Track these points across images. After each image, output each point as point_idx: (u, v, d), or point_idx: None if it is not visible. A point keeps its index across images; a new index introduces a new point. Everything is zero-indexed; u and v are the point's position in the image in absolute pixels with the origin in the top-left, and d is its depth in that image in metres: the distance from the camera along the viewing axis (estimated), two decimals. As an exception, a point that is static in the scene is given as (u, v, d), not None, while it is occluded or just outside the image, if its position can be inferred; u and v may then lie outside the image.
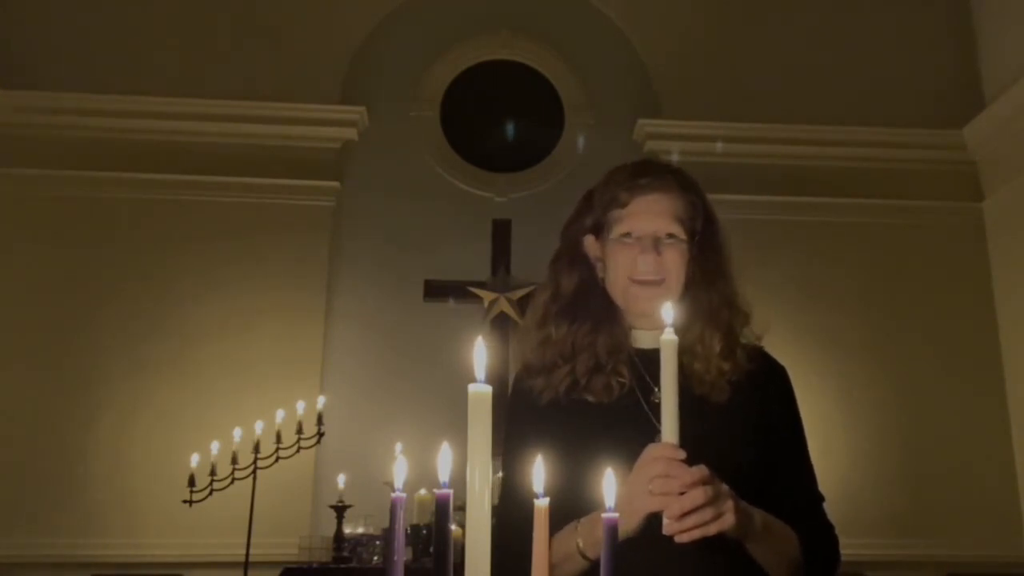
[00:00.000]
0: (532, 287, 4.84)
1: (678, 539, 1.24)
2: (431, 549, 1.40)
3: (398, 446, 3.48)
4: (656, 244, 1.49)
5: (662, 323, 1.23)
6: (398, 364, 4.86)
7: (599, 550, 1.24)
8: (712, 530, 1.24)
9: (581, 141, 5.37)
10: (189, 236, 4.85)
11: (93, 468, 4.46)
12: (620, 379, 1.48)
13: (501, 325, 4.87)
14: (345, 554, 4.06)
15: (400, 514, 0.87)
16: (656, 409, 1.39)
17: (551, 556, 1.25)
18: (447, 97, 5.45)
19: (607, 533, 0.89)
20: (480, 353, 0.90)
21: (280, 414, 4.09)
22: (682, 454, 1.23)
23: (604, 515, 0.91)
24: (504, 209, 5.15)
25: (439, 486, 0.83)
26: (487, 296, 4.89)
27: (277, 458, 3.98)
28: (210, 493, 3.89)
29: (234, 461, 3.94)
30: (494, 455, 0.90)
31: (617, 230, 1.52)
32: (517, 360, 1.62)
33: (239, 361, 4.66)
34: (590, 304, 1.54)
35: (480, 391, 0.86)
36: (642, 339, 1.53)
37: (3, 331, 4.63)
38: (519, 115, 5.47)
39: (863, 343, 4.85)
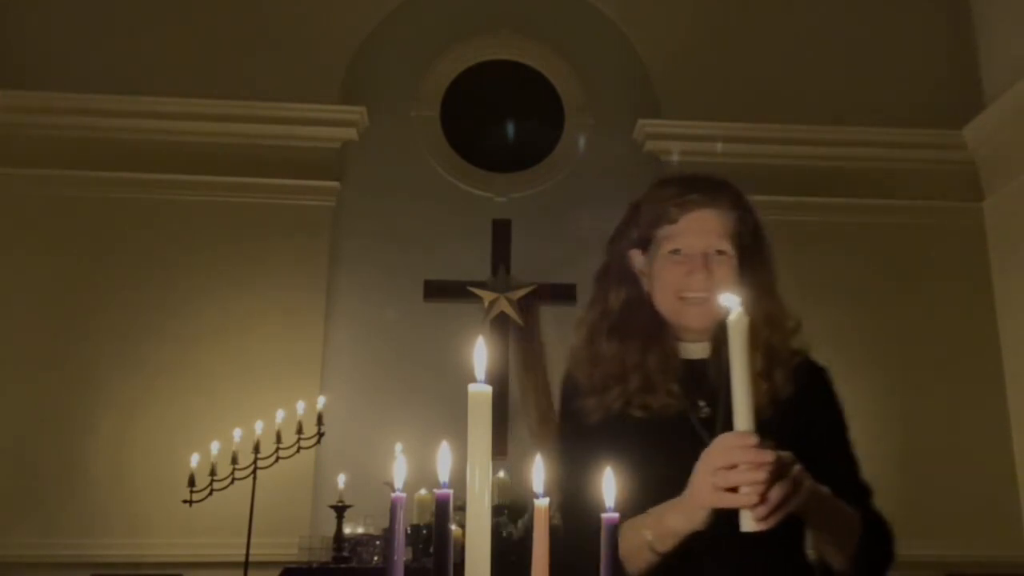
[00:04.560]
0: (532, 287, 4.91)
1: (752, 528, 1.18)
2: (431, 549, 1.40)
3: (398, 446, 3.48)
4: (706, 261, 1.48)
5: (723, 312, 1.19)
6: (398, 364, 4.86)
7: (669, 543, 1.27)
8: (789, 510, 1.20)
9: (581, 141, 5.37)
10: (189, 236, 4.85)
11: (93, 468, 4.46)
12: (671, 398, 1.47)
13: (501, 325, 4.87)
14: (345, 554, 4.06)
15: (400, 514, 0.87)
16: (704, 423, 1.43)
17: (622, 549, 1.27)
18: (447, 97, 5.44)
19: (607, 532, 0.89)
20: (480, 353, 0.90)
21: (280, 414, 4.09)
22: (754, 440, 1.17)
23: (604, 515, 0.91)
24: (504, 209, 5.16)
25: (439, 486, 0.83)
26: (487, 296, 4.89)
27: (277, 458, 3.98)
28: (210, 493, 3.89)
29: (234, 461, 3.94)
30: (494, 455, 0.90)
31: (667, 246, 1.51)
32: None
33: (239, 361, 4.66)
34: (638, 320, 1.53)
35: (480, 391, 0.86)
36: (690, 351, 1.52)
37: (3, 331, 4.63)
38: (519, 115, 5.46)
39: (863, 343, 4.85)
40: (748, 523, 1.18)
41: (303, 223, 4.93)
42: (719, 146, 5.05)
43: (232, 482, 3.93)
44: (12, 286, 4.70)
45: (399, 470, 0.92)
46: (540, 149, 5.40)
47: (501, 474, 4.28)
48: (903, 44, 5.41)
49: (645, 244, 1.56)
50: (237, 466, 3.94)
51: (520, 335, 4.93)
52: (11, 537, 4.30)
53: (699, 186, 1.54)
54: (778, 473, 1.17)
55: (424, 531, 4.04)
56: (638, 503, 1.30)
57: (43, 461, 4.45)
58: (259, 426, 4.03)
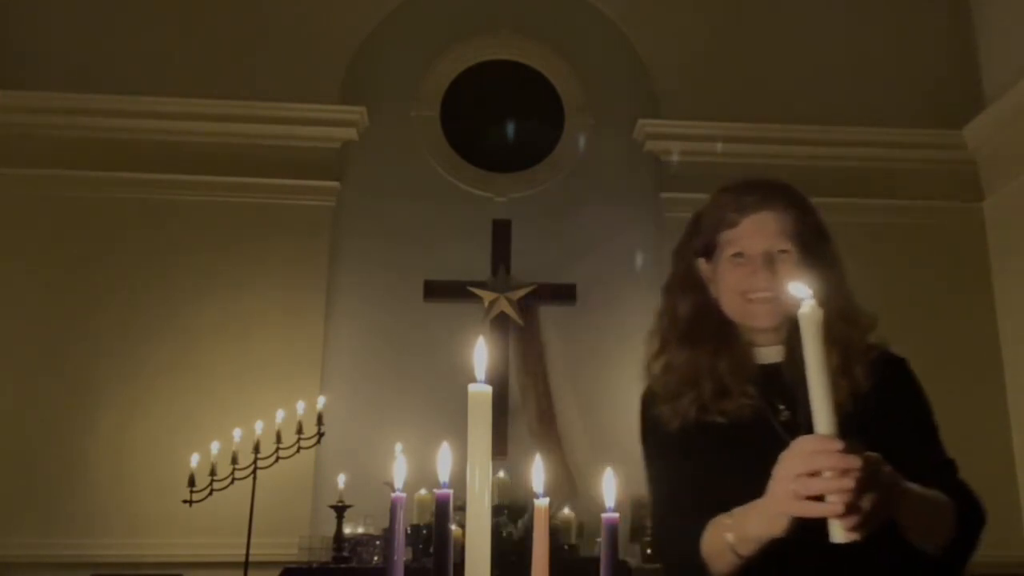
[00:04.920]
0: (532, 287, 4.91)
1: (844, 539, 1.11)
2: (431, 549, 1.40)
3: (398, 446, 3.48)
4: (769, 261, 1.49)
5: (797, 301, 1.12)
6: (398, 364, 4.86)
7: (751, 547, 1.24)
8: (883, 518, 1.13)
9: (581, 141, 5.37)
10: (189, 236, 4.85)
11: (94, 468, 4.47)
12: (747, 400, 1.47)
13: (501, 325, 4.87)
14: (345, 554, 4.06)
15: (400, 514, 0.87)
16: (785, 426, 1.41)
17: (707, 550, 1.30)
18: (447, 97, 5.44)
19: (606, 532, 0.89)
20: (480, 353, 0.90)
21: (280, 414, 4.10)
22: (839, 446, 1.09)
23: (603, 515, 0.91)
24: (504, 209, 5.16)
25: (439, 486, 0.83)
26: (487, 296, 4.89)
27: (277, 458, 3.98)
28: (210, 493, 3.89)
29: (234, 461, 3.94)
30: (494, 455, 0.90)
31: (729, 250, 1.53)
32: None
33: (239, 361, 4.66)
34: (708, 327, 1.54)
35: (480, 391, 0.86)
36: (765, 355, 1.53)
37: (2, 331, 4.63)
38: (519, 115, 5.46)
39: (863, 343, 4.84)
40: (839, 533, 1.10)
41: (303, 223, 4.93)
42: (719, 146, 5.05)
43: (232, 482, 3.93)
44: (12, 286, 4.70)
45: (399, 470, 0.92)
46: (540, 149, 5.40)
47: (501, 474, 4.28)
48: (903, 44, 5.41)
49: (709, 252, 1.57)
50: (237, 466, 3.94)
51: (520, 335, 4.93)
52: (11, 537, 4.30)
53: (756, 189, 1.56)
54: (867, 479, 1.10)
55: (424, 531, 4.04)
56: (721, 509, 1.30)
57: (43, 461, 4.45)
58: (259, 426, 4.03)
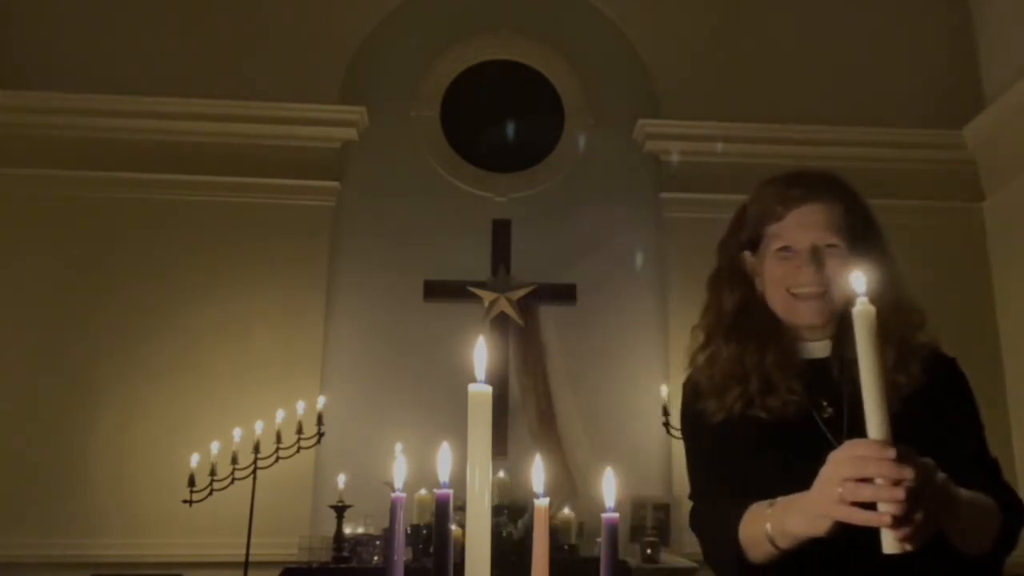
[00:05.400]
0: (532, 287, 4.91)
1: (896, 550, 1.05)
2: (431, 549, 1.40)
3: (398, 446, 3.49)
4: (815, 255, 1.46)
5: (853, 294, 1.07)
6: (398, 364, 4.86)
7: (788, 542, 1.21)
8: (935, 529, 1.08)
9: (581, 141, 5.37)
10: (189, 236, 4.85)
11: (93, 468, 4.47)
12: (793, 396, 1.44)
13: (501, 325, 4.87)
14: (345, 554, 4.06)
15: (400, 514, 0.87)
16: (828, 423, 1.39)
17: (745, 537, 1.28)
18: (447, 97, 5.44)
19: (606, 532, 0.89)
20: (480, 353, 0.90)
21: (280, 414, 4.10)
22: (892, 453, 1.03)
23: (603, 515, 0.91)
24: (504, 209, 5.16)
25: (439, 486, 0.83)
26: (487, 296, 4.89)
27: (277, 458, 3.99)
28: (210, 493, 3.89)
29: (234, 461, 3.94)
30: (494, 455, 0.90)
31: (774, 244, 1.50)
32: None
33: (239, 361, 4.66)
34: (754, 321, 1.52)
35: (480, 391, 0.86)
36: (812, 350, 1.50)
37: (3, 331, 4.63)
38: (519, 115, 5.46)
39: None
40: (891, 544, 1.04)
41: (303, 223, 4.93)
42: (719, 146, 5.05)
43: (232, 482, 3.94)
44: (12, 286, 4.70)
45: (399, 470, 0.92)
46: (540, 149, 5.40)
47: (501, 474, 4.28)
48: (903, 44, 5.41)
49: (754, 245, 1.54)
50: (237, 466, 3.95)
51: (520, 335, 4.93)
52: (11, 537, 4.30)
53: (802, 181, 1.53)
54: (920, 489, 1.04)
55: (424, 531, 4.04)
56: (763, 496, 1.28)
57: (43, 461, 4.45)
58: (259, 426, 4.03)
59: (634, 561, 4.24)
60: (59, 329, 4.66)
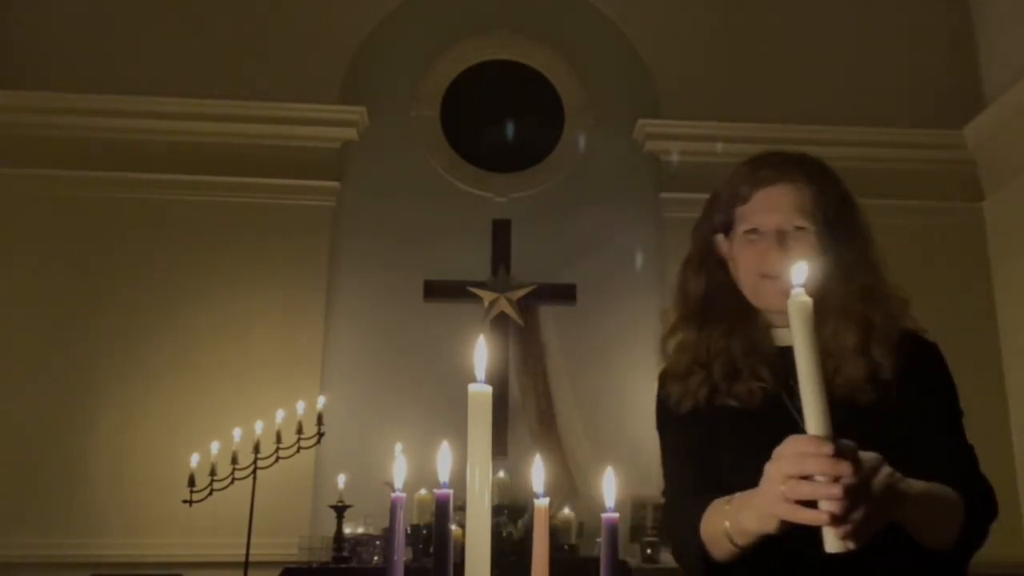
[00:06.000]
0: (532, 287, 4.91)
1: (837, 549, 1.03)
2: (431, 549, 1.40)
3: (398, 446, 3.49)
4: (782, 239, 1.41)
5: (790, 284, 1.04)
6: (398, 364, 4.86)
7: (745, 539, 1.18)
8: (879, 526, 1.05)
9: (581, 141, 5.37)
10: (189, 236, 4.85)
11: (94, 468, 4.47)
12: (760, 382, 1.41)
13: (501, 325, 4.87)
14: (345, 554, 4.06)
15: (400, 514, 0.87)
16: (801, 411, 1.30)
17: (706, 534, 1.25)
18: (447, 97, 5.44)
19: (606, 532, 0.89)
20: (480, 353, 0.90)
21: (280, 414, 4.10)
22: (829, 449, 1.00)
23: (603, 515, 0.91)
24: (504, 209, 5.16)
25: (439, 486, 0.83)
26: (487, 296, 4.89)
27: (277, 458, 3.98)
28: (210, 493, 3.89)
29: (234, 461, 3.94)
30: (494, 455, 0.90)
31: (742, 227, 1.46)
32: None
33: (239, 361, 4.66)
34: (723, 306, 1.48)
35: (480, 391, 0.86)
36: (784, 337, 1.43)
37: (2, 331, 4.63)
38: (519, 115, 5.46)
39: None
40: (833, 543, 1.01)
41: (303, 223, 4.93)
42: (719, 146, 5.04)
43: (232, 482, 3.93)
44: (12, 286, 4.70)
45: (399, 470, 0.92)
46: (540, 149, 5.40)
47: (501, 474, 4.28)
48: (903, 44, 5.41)
49: (727, 228, 1.50)
50: (237, 466, 3.94)
51: (520, 335, 4.93)
52: (11, 537, 4.30)
53: (772, 162, 1.48)
54: (859, 485, 1.01)
55: (424, 531, 4.04)
56: (732, 491, 1.23)
57: (43, 461, 4.45)
58: (259, 426, 4.03)
59: (634, 561, 4.24)
60: (59, 329, 4.66)
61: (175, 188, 4.89)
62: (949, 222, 5.16)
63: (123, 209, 4.86)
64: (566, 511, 4.25)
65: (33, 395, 4.54)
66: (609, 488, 0.94)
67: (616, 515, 0.91)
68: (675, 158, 5.14)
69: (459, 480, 0.84)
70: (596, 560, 0.91)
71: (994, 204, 5.13)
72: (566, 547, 4.15)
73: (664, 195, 5.09)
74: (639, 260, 5.10)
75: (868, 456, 1.05)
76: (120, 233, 4.84)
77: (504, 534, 3.92)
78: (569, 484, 4.50)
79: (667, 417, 1.50)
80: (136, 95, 4.93)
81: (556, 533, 4.09)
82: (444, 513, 0.81)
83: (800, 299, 1.00)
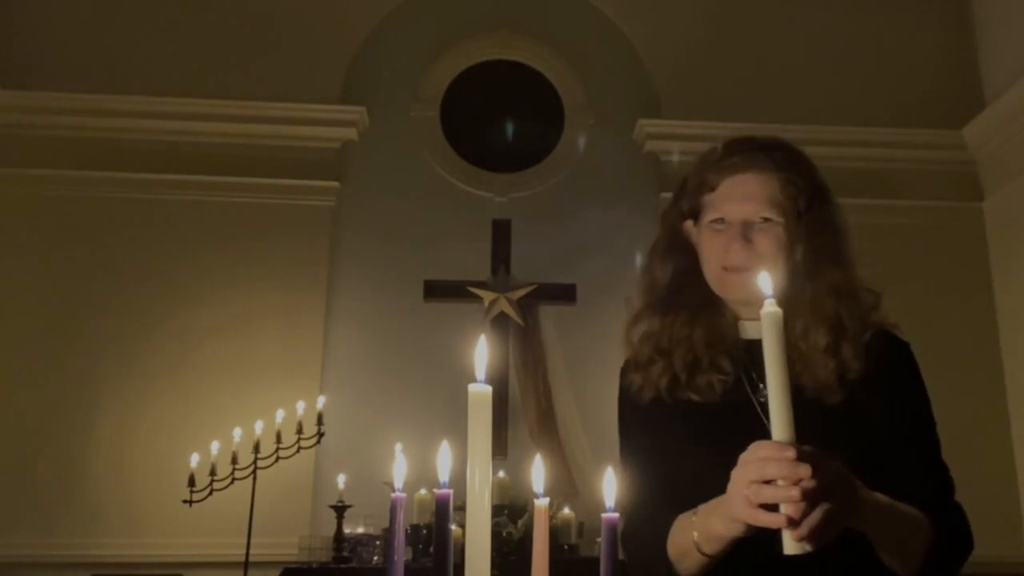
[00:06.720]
0: (532, 287, 4.91)
1: (794, 551, 1.04)
2: (431, 549, 1.40)
3: (398, 446, 3.49)
4: (746, 230, 1.36)
5: (762, 295, 1.04)
6: (398, 364, 4.86)
7: (715, 546, 1.17)
8: (835, 530, 1.06)
9: (581, 141, 5.37)
10: (189, 236, 4.85)
11: (93, 468, 4.47)
12: (722, 375, 1.37)
13: (501, 325, 4.87)
14: (345, 554, 4.06)
15: (400, 514, 0.87)
16: (765, 406, 1.24)
17: (673, 550, 1.23)
18: (447, 97, 5.45)
19: (606, 532, 0.89)
20: (480, 353, 0.90)
21: (280, 414, 4.10)
22: (791, 454, 1.02)
23: (603, 515, 0.91)
24: (504, 209, 5.16)
25: (439, 486, 0.83)
26: (487, 296, 4.89)
27: (277, 458, 3.99)
28: (210, 493, 3.89)
29: (234, 461, 3.94)
30: (494, 455, 0.90)
31: (709, 215, 1.41)
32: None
33: (239, 361, 4.66)
34: (688, 295, 1.44)
35: (480, 391, 0.86)
36: (750, 329, 1.39)
37: (2, 331, 4.63)
38: (519, 115, 5.46)
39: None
40: (790, 545, 1.04)
41: (303, 223, 4.93)
42: (719, 146, 5.04)
43: (232, 482, 3.93)
44: (12, 286, 4.70)
45: (399, 470, 0.92)
46: (540, 149, 5.40)
47: (501, 474, 4.28)
48: (903, 44, 5.41)
49: (695, 215, 1.45)
50: (237, 466, 3.94)
51: (520, 335, 4.92)
52: (11, 537, 4.30)
53: (741, 149, 1.42)
54: (818, 489, 1.03)
55: (424, 531, 4.05)
56: (694, 494, 1.22)
57: (43, 461, 4.45)
58: (259, 426, 4.03)
59: (634, 561, 4.23)
60: (59, 329, 4.66)
61: (175, 188, 4.89)
62: (949, 222, 5.16)
63: (123, 209, 4.86)
64: (566, 511, 4.25)
65: (33, 395, 4.54)
66: (609, 488, 0.94)
67: (616, 515, 0.91)
68: (675, 158, 5.14)
69: (459, 480, 0.84)
70: (596, 560, 0.91)
71: (994, 204, 5.13)
72: (566, 547, 4.15)
73: (664, 195, 5.06)
74: (639, 260, 5.08)
75: (829, 461, 1.06)
76: (120, 233, 4.84)
77: (504, 534, 3.92)
78: (569, 484, 4.49)
79: (628, 408, 1.47)
80: (136, 95, 4.93)
81: (556, 533, 4.09)
82: (444, 513, 0.81)
83: (770, 309, 1.03)
